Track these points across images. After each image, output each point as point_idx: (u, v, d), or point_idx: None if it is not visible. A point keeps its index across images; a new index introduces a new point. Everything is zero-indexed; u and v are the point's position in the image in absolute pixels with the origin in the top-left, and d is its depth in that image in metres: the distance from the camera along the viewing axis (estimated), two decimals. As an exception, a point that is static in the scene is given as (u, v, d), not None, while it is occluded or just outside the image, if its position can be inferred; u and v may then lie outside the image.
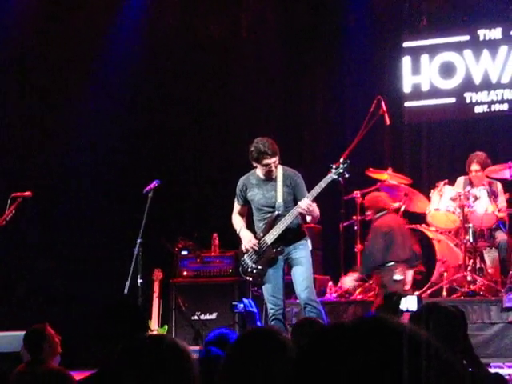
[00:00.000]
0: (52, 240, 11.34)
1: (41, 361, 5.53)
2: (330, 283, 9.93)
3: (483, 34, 11.45)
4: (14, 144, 11.64)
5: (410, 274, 8.95)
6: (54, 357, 5.97)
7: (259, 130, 9.82)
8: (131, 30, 11.97)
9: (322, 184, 7.47)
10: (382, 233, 8.87)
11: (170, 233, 10.48)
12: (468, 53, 11.52)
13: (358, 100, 11.54)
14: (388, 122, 9.81)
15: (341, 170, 7.56)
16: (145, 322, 4.19)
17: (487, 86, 11.44)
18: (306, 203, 7.39)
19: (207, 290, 9.87)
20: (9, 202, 8.72)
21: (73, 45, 11.76)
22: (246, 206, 7.83)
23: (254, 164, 7.61)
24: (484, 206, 9.43)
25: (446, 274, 9.52)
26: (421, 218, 10.07)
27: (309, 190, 7.51)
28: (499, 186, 9.78)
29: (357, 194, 9.96)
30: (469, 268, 9.37)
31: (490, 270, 9.59)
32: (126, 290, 7.79)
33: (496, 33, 11.41)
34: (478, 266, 9.50)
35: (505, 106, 11.37)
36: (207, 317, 9.67)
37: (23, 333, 6.15)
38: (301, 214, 7.54)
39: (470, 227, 9.51)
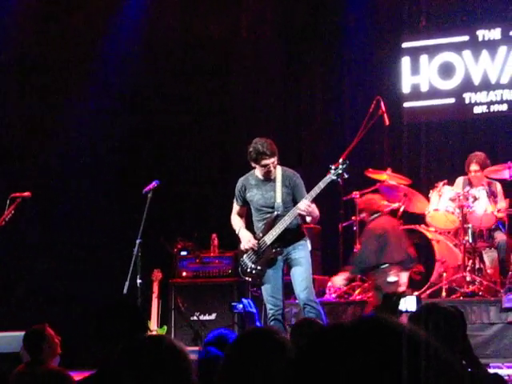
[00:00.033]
0: (51, 240, 11.34)
1: (40, 361, 5.53)
2: (330, 284, 9.92)
3: (482, 34, 11.45)
4: (13, 144, 11.64)
5: (404, 275, 8.96)
6: (53, 357, 5.97)
7: (259, 130, 9.83)
8: (131, 30, 11.98)
9: (321, 185, 7.47)
10: (376, 235, 8.87)
11: (170, 233, 10.47)
12: (467, 53, 11.52)
13: (357, 100, 11.56)
14: (387, 122, 9.81)
15: (340, 171, 7.55)
16: (144, 323, 4.19)
17: (486, 86, 11.44)
18: (305, 204, 7.39)
19: (206, 290, 9.87)
20: (8, 202, 8.71)
21: (72, 45, 11.77)
22: (245, 206, 7.83)
23: (253, 164, 7.61)
24: (483, 207, 9.43)
25: (445, 274, 9.52)
26: (420, 218, 10.08)
27: (308, 191, 7.51)
28: (498, 187, 9.78)
29: (356, 194, 9.96)
30: (468, 268, 9.37)
31: (489, 271, 9.59)
32: (125, 291, 7.79)
33: (495, 33, 11.41)
34: (477, 266, 9.50)
35: (504, 107, 11.37)
36: (206, 317, 9.67)
37: (23, 333, 6.15)
38: (300, 214, 7.54)
39: (469, 227, 9.51)
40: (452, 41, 11.69)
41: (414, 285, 9.49)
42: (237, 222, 7.85)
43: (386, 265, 8.74)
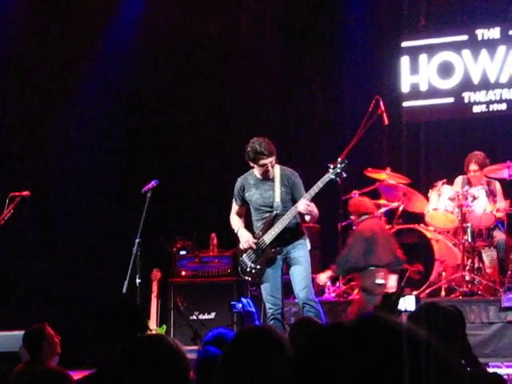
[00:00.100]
0: (51, 240, 11.34)
1: (40, 361, 5.53)
2: (329, 283, 9.92)
3: (481, 33, 11.45)
4: (12, 144, 11.63)
5: (393, 278, 8.98)
6: (53, 357, 5.97)
7: (258, 130, 9.81)
8: (131, 30, 11.97)
9: (320, 184, 7.48)
10: (364, 237, 8.88)
11: (169, 232, 10.48)
12: (466, 52, 11.52)
13: (356, 100, 11.55)
14: (386, 121, 9.81)
15: (338, 170, 7.56)
16: (144, 322, 4.19)
17: (485, 85, 11.44)
18: (304, 203, 7.39)
19: (205, 289, 9.87)
20: (7, 201, 8.72)
21: (72, 45, 11.76)
22: (244, 206, 7.84)
23: (251, 164, 7.61)
24: (482, 206, 9.43)
25: (444, 273, 9.53)
26: (419, 217, 10.08)
27: (307, 190, 7.51)
28: (498, 186, 9.78)
29: (355, 193, 9.95)
30: (467, 268, 9.37)
31: (488, 270, 9.59)
32: (124, 290, 7.79)
33: (494, 32, 11.40)
34: (476, 265, 9.50)
35: (503, 106, 11.37)
36: (205, 316, 9.67)
37: (22, 332, 6.15)
38: (300, 213, 7.55)
39: (468, 227, 9.51)
40: (451, 40, 11.69)
41: (413, 284, 9.49)
42: (236, 222, 7.85)
43: (374, 267, 8.76)
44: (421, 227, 9.83)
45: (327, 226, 10.42)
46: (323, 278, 9.24)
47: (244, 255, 7.72)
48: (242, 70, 12.44)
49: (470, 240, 9.47)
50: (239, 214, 7.89)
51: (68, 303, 10.77)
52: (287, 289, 7.90)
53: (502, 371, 7.48)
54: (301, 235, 7.69)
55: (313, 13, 12.22)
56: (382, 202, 10.24)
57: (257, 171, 7.63)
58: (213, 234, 10.22)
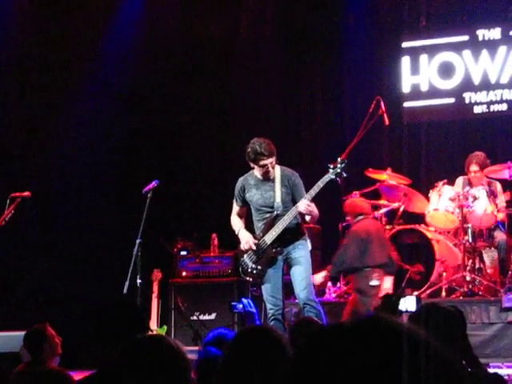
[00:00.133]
0: (51, 240, 11.35)
1: (41, 361, 5.53)
2: (329, 283, 9.93)
3: (482, 34, 11.45)
4: (12, 144, 11.63)
5: (388, 280, 8.99)
6: (54, 357, 5.97)
7: (259, 130, 9.82)
8: (131, 29, 11.98)
9: (320, 184, 7.48)
10: (359, 238, 8.88)
11: (169, 233, 10.48)
12: (467, 53, 11.52)
13: (357, 100, 11.55)
14: (387, 122, 9.81)
15: (338, 170, 7.56)
16: (144, 322, 4.19)
17: (486, 86, 11.44)
18: (305, 204, 7.39)
19: (206, 290, 9.87)
20: (8, 202, 8.72)
21: (72, 45, 11.76)
22: (245, 206, 7.84)
23: (252, 165, 7.61)
24: (483, 206, 9.43)
25: (445, 274, 9.53)
26: (420, 218, 10.08)
27: (308, 191, 7.51)
28: (498, 186, 9.78)
29: (356, 194, 9.95)
30: (468, 268, 9.37)
31: (489, 270, 9.59)
32: (125, 291, 7.79)
33: (495, 33, 11.41)
34: (477, 266, 9.50)
35: (504, 107, 11.37)
36: (206, 317, 9.67)
37: (22, 333, 6.15)
38: (300, 213, 7.55)
39: (469, 227, 9.51)
40: (452, 40, 11.69)
41: (413, 284, 9.50)
42: (236, 223, 7.86)
43: (369, 268, 8.76)
44: (421, 227, 9.83)
45: (328, 227, 10.43)
46: (318, 278, 9.25)
47: (245, 256, 7.72)
48: (242, 69, 12.44)
49: (470, 240, 9.47)
50: (240, 215, 7.89)
51: (68, 303, 10.77)
52: (288, 289, 7.90)
53: (503, 372, 7.48)
54: (301, 235, 7.69)
55: (313, 13, 12.23)
56: (382, 202, 10.25)
57: (257, 172, 7.63)
58: (213, 235, 10.22)
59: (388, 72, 12.02)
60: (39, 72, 11.73)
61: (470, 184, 9.73)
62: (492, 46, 11.41)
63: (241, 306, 7.83)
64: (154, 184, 8.32)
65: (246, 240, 7.65)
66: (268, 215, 7.63)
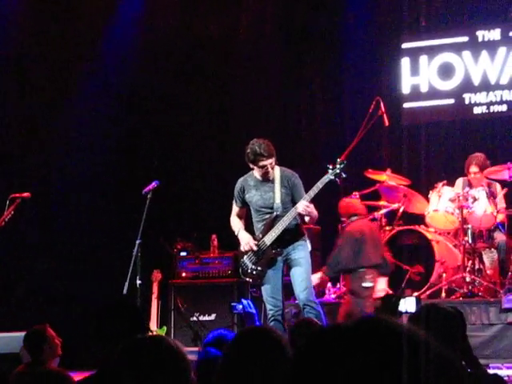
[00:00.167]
0: (51, 240, 11.34)
1: (41, 362, 5.53)
2: (329, 284, 9.93)
3: (482, 35, 11.45)
4: (12, 144, 11.63)
5: (382, 281, 8.99)
6: (53, 358, 5.97)
7: (258, 130, 9.82)
8: (131, 29, 11.98)
9: (319, 185, 7.48)
10: (353, 238, 8.89)
11: (169, 234, 10.48)
12: (467, 54, 11.52)
13: (357, 101, 11.54)
14: (387, 123, 9.80)
15: (337, 171, 7.56)
16: (144, 323, 4.19)
17: (486, 87, 11.44)
18: (304, 205, 7.39)
19: (206, 291, 9.87)
20: (7, 202, 8.71)
21: (72, 45, 11.76)
22: (245, 207, 7.84)
23: (251, 166, 7.61)
24: (483, 207, 9.42)
25: (444, 275, 9.53)
26: (420, 218, 10.08)
27: (308, 191, 7.51)
28: (498, 187, 9.78)
29: (356, 194, 9.95)
30: (468, 269, 9.37)
31: (488, 271, 9.58)
32: (124, 291, 7.79)
33: (495, 34, 11.41)
34: (476, 267, 9.49)
35: (504, 107, 11.37)
36: (206, 318, 9.67)
37: (22, 334, 6.15)
38: (299, 214, 7.55)
39: (468, 228, 9.51)
40: (452, 41, 11.69)
41: (413, 285, 9.50)
42: (236, 224, 7.85)
43: (363, 269, 8.77)
44: (421, 228, 9.83)
45: (327, 227, 10.42)
46: (314, 279, 9.25)
47: (245, 257, 7.72)
48: (242, 70, 12.44)
49: (470, 241, 9.47)
50: (239, 216, 7.89)
51: (68, 303, 10.77)
52: (288, 290, 7.90)
53: (503, 372, 7.48)
54: (301, 236, 7.69)
55: (313, 13, 12.23)
56: (382, 203, 10.25)
57: (257, 173, 7.63)
58: (213, 236, 10.22)
59: (388, 73, 12.02)
60: (39, 72, 11.73)
61: (470, 185, 9.73)
62: (492, 46, 11.41)
63: (240, 306, 7.84)
64: (153, 184, 8.31)
65: (246, 241, 7.65)
66: (268, 216, 7.62)
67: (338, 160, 7.71)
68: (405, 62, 11.85)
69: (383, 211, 10.11)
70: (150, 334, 6.55)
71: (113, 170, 11.64)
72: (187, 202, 11.83)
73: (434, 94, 11.74)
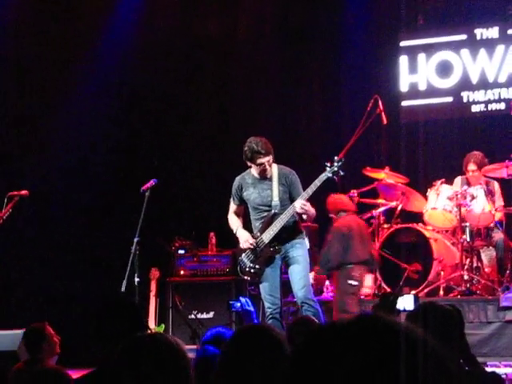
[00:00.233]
0: (49, 239, 11.33)
1: (39, 360, 5.53)
2: (327, 282, 9.93)
3: (480, 33, 11.46)
4: (12, 144, 11.63)
5: (369, 278, 9.00)
6: (52, 356, 5.96)
7: (258, 129, 9.81)
8: (130, 29, 11.97)
9: (317, 183, 7.48)
10: (341, 234, 8.90)
11: (167, 232, 10.47)
12: (465, 52, 11.53)
13: (355, 99, 11.54)
14: (385, 121, 9.81)
15: (335, 169, 7.57)
16: (144, 322, 4.19)
17: (484, 85, 11.45)
18: (300, 203, 7.39)
19: (204, 288, 9.86)
20: (5, 200, 8.71)
21: (72, 45, 11.75)
22: (242, 205, 7.84)
23: (249, 164, 7.62)
24: (481, 205, 9.43)
25: (442, 273, 9.53)
26: (418, 216, 10.08)
27: (306, 189, 7.51)
28: (496, 185, 9.78)
29: (354, 192, 9.95)
30: (466, 267, 9.37)
31: (486, 269, 9.59)
32: (123, 289, 7.78)
33: (493, 32, 11.41)
34: (474, 265, 9.49)
35: (502, 106, 11.37)
36: (204, 316, 9.67)
37: (19, 331, 6.14)
38: (297, 212, 7.55)
39: (466, 226, 9.50)
40: (450, 39, 11.70)
41: (411, 283, 9.50)
42: (234, 222, 7.86)
43: (351, 265, 8.79)
44: (419, 226, 9.83)
45: (325, 225, 10.41)
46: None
47: (243, 255, 7.72)
48: (241, 69, 12.45)
49: (468, 239, 9.46)
50: (237, 214, 7.89)
51: (66, 302, 10.76)
52: (286, 288, 7.90)
53: (501, 370, 7.48)
54: (299, 234, 7.69)
55: (311, 13, 12.23)
56: (380, 201, 10.25)
57: (254, 170, 7.63)
58: (211, 233, 10.22)
59: (386, 71, 12.02)
60: (39, 72, 11.72)
61: (468, 183, 9.73)
62: (490, 44, 11.41)
63: (239, 304, 7.84)
64: (151, 182, 8.31)
65: (245, 239, 7.65)
66: (265, 214, 7.63)
67: (336, 158, 7.71)
68: (403, 60, 11.85)
69: (381, 209, 10.11)
70: (150, 331, 6.56)
71: (111, 168, 11.63)
72: (185, 200, 11.83)
73: (432, 92, 11.74)
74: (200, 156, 12.14)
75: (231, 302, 8.20)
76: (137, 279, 8.05)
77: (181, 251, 10.19)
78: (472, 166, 9.67)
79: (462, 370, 4.08)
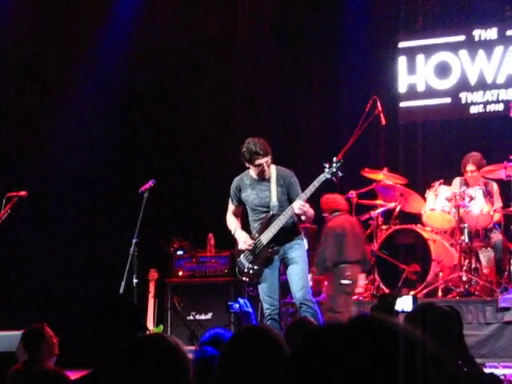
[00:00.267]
0: (50, 240, 11.33)
1: (38, 361, 5.52)
2: (326, 283, 9.93)
3: (479, 34, 11.46)
4: (12, 144, 11.62)
5: (361, 277, 9.00)
6: (51, 357, 5.96)
7: (257, 129, 9.82)
8: (130, 29, 11.97)
9: (316, 184, 7.48)
10: (334, 233, 8.91)
11: (166, 233, 10.47)
12: (463, 53, 11.53)
13: (354, 100, 11.54)
14: (383, 122, 9.81)
15: (334, 170, 7.56)
16: (142, 322, 4.19)
17: (482, 86, 11.45)
18: (299, 204, 7.39)
19: (203, 289, 9.86)
20: (4, 201, 8.71)
21: (72, 45, 11.75)
22: (241, 206, 7.83)
23: (247, 165, 7.61)
24: (479, 207, 9.43)
25: (441, 274, 9.53)
26: (416, 218, 10.08)
27: (304, 190, 7.51)
28: (495, 186, 9.78)
29: (352, 193, 9.96)
30: (464, 268, 9.37)
31: (485, 270, 9.59)
32: (121, 290, 7.78)
33: (491, 33, 11.41)
34: (473, 266, 9.50)
35: (500, 107, 11.37)
36: (202, 317, 9.67)
37: (17, 332, 6.14)
38: (295, 213, 7.55)
39: (465, 227, 9.50)
40: (448, 40, 11.70)
41: (410, 284, 9.50)
42: (232, 223, 7.85)
43: (345, 264, 8.79)
44: (418, 227, 9.83)
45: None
46: None
47: (241, 256, 7.72)
48: (240, 69, 12.45)
49: (466, 240, 9.46)
50: (235, 215, 7.89)
51: (65, 302, 10.76)
52: (284, 289, 7.90)
53: (499, 372, 7.48)
54: (298, 235, 7.69)
55: (311, 13, 12.23)
56: (378, 202, 10.25)
57: (253, 171, 7.63)
58: (210, 234, 10.22)
59: (384, 72, 12.03)
60: (39, 72, 11.72)
61: (467, 184, 9.73)
62: (488, 46, 11.42)
63: (237, 305, 7.83)
64: (150, 183, 8.31)
65: (244, 240, 7.65)
66: (264, 215, 7.62)
67: (335, 159, 7.70)
68: (401, 61, 11.86)
69: (380, 210, 10.11)
70: (150, 332, 6.56)
71: (109, 169, 11.63)
72: (184, 201, 11.83)
73: (430, 93, 11.75)
74: (200, 156, 12.14)
75: (230, 303, 8.19)
76: (135, 280, 8.04)
77: (179, 252, 10.19)
78: (470, 167, 9.67)
79: (460, 371, 4.09)
